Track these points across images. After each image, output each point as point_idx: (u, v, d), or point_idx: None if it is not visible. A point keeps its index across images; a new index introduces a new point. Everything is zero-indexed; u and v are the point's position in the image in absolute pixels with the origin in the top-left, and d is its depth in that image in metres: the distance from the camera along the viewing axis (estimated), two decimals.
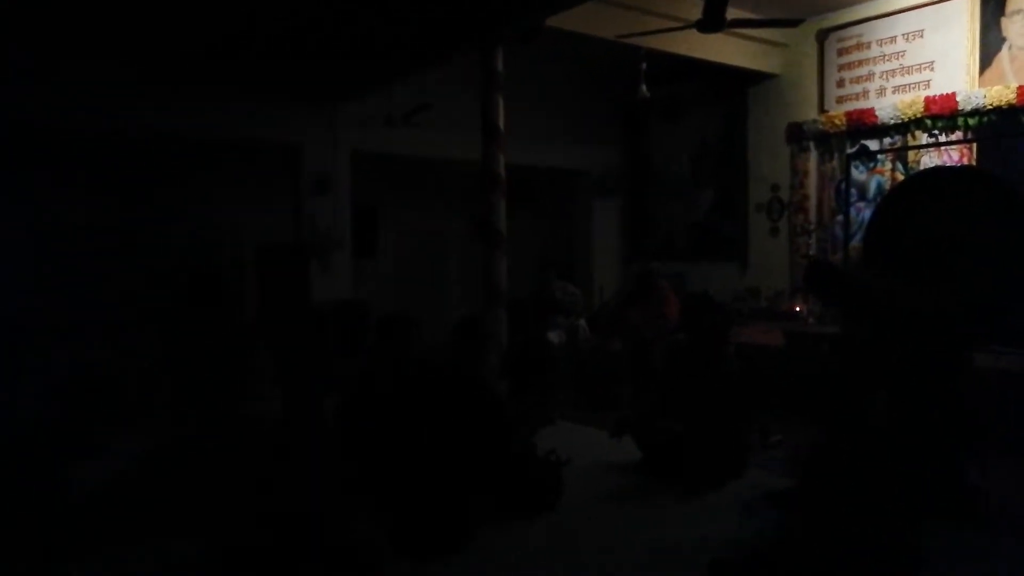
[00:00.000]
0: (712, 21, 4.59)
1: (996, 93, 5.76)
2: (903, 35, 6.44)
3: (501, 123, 5.49)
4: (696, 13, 5.03)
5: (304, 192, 7.21)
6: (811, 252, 6.99)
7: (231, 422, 4.64)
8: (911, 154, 6.31)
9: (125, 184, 6.85)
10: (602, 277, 8.90)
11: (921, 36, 6.34)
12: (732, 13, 4.85)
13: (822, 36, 6.96)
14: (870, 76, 6.67)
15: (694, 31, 5.19)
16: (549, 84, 8.21)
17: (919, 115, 6.19)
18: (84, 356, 5.65)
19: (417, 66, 6.10)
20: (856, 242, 6.00)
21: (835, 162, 6.92)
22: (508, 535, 3.19)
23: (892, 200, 3.87)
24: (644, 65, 6.64)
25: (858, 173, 6.70)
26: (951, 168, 5.52)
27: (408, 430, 3.14)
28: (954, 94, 5.99)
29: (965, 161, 6.02)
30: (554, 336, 5.99)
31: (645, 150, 8.86)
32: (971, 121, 5.96)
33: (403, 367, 3.65)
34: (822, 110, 7.00)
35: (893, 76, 6.51)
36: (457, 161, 7.40)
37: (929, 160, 6.21)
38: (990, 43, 5.91)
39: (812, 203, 7.11)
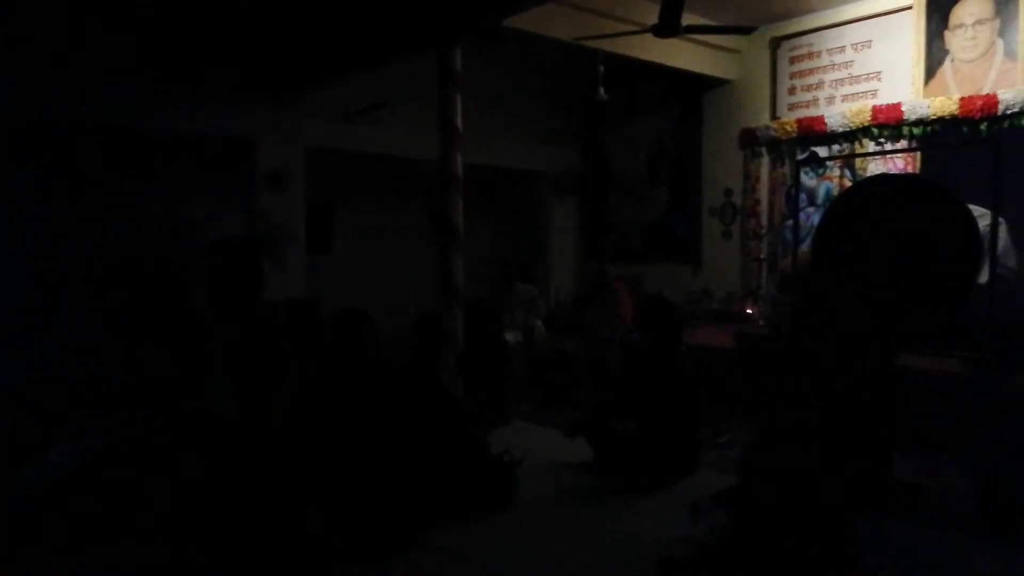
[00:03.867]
0: (667, 26, 4.66)
1: (939, 104, 5.97)
2: (852, 45, 6.62)
3: (459, 122, 5.48)
4: (652, 18, 5.10)
5: (258, 187, 7.09)
6: (762, 256, 7.14)
7: (182, 420, 4.53)
8: (858, 161, 6.50)
9: (73, 178, 6.64)
10: (559, 277, 8.96)
11: (869, 47, 6.53)
12: (687, 19, 4.93)
13: (775, 44, 7.11)
14: (820, 84, 6.85)
15: (650, 35, 5.26)
16: (508, 84, 8.22)
17: (866, 123, 6.37)
18: (34, 355, 5.46)
19: (374, 63, 6.05)
20: (805, 247, 6.15)
21: (786, 168, 7.08)
22: (462, 534, 3.19)
23: (838, 206, 3.97)
24: (602, 67, 6.71)
25: (808, 179, 6.88)
26: (895, 175, 5.70)
27: (363, 427, 3.11)
28: (900, 104, 6.18)
29: (909, 169, 6.22)
30: (511, 336, 6.00)
31: (602, 151, 8.95)
32: (915, 130, 6.15)
33: (358, 364, 3.62)
34: (774, 116, 7.16)
35: (842, 85, 6.70)
36: (416, 158, 7.36)
37: (875, 168, 6.40)
38: (934, 55, 6.11)
39: (764, 207, 7.26)
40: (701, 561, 2.72)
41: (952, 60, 6.02)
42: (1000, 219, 5.56)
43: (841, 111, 6.57)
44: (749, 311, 6.81)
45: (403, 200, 8.62)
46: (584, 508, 3.60)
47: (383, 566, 2.90)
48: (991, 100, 5.70)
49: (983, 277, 5.19)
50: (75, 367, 5.41)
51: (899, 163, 6.25)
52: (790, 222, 6.84)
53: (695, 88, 7.68)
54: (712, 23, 5.62)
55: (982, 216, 4.44)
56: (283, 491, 3.00)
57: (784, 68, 7.11)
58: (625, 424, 4.13)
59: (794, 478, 2.74)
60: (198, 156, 7.12)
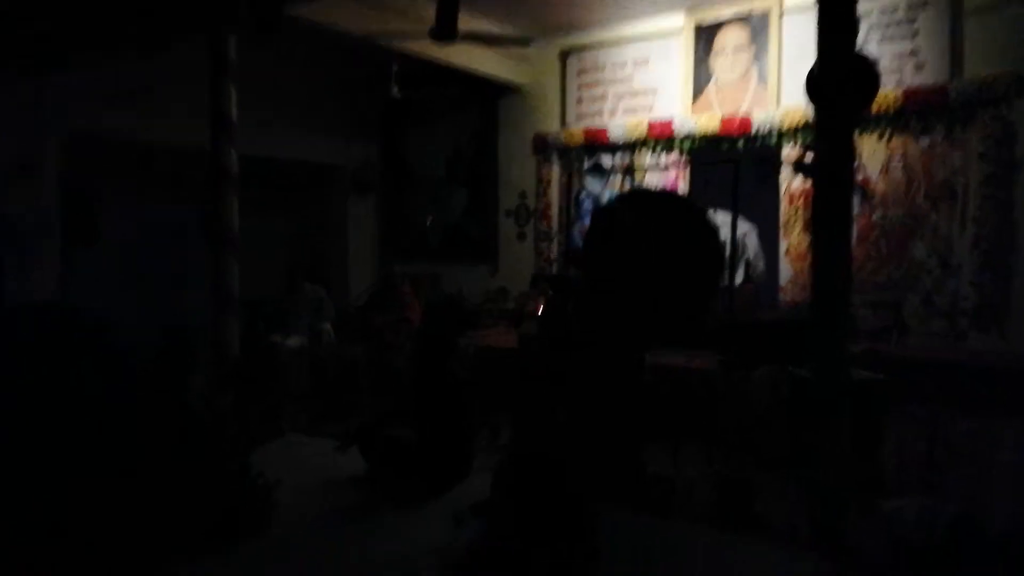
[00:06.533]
0: (443, 31, 4.64)
1: (704, 121, 6.50)
2: (632, 62, 7.03)
3: (233, 114, 5.13)
4: None
5: None
6: (553, 258, 7.41)
7: None
8: (637, 171, 6.93)
9: None
10: (358, 277, 8.72)
11: (647, 64, 6.97)
12: (473, 24, 4.94)
13: (565, 55, 7.38)
14: (604, 96, 7.21)
15: None
16: (305, 74, 7.86)
17: (643, 136, 6.80)
18: None
19: (137, 44, 5.50)
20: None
21: (575, 174, 7.40)
22: (202, 568, 2.93)
23: (598, 216, 4.18)
24: (396, 66, 6.60)
25: (594, 185, 7.23)
26: (648, 190, 6.17)
27: (80, 450, 2.78)
28: (671, 120, 6.66)
29: (680, 181, 6.73)
30: (294, 341, 5.72)
31: (402, 149, 8.84)
32: (685, 144, 6.66)
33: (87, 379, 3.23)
34: (564, 124, 7.44)
35: (623, 99, 7.09)
36: (195, 148, 6.79)
37: (652, 177, 6.86)
38: (701, 76, 6.64)
39: (555, 211, 7.52)
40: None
41: (715, 82, 6.58)
42: (752, 226, 6.19)
43: (622, 123, 6.96)
44: (541, 311, 7.01)
45: (181, 192, 7.94)
46: (348, 526, 3.47)
47: None
48: (746, 121, 6.29)
49: (737, 280, 5.73)
50: None
51: (671, 175, 6.74)
52: (578, 225, 7.18)
53: (491, 92, 7.79)
54: (496, 30, 5.68)
55: (722, 224, 4.88)
56: None
57: (573, 79, 7.40)
58: (401, 431, 4.05)
59: (541, 483, 2.82)
60: None
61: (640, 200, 4.05)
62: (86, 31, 5.41)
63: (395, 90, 6.57)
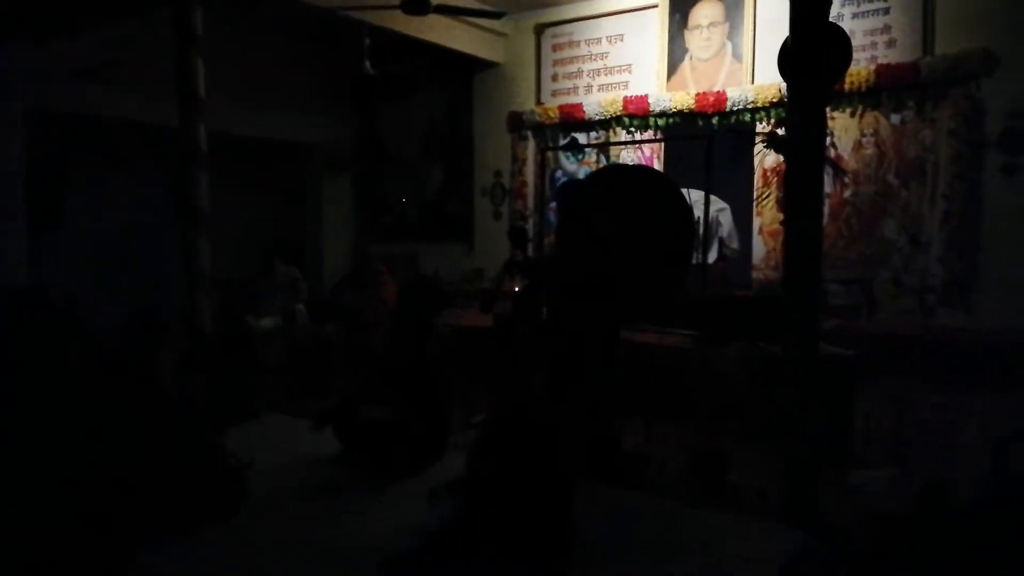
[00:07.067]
0: (416, 4, 4.56)
1: (679, 98, 6.48)
2: (607, 37, 6.98)
3: (201, 90, 5.01)
4: None
5: None
6: (529, 237, 7.37)
7: None
8: (612, 148, 6.90)
9: None
10: (333, 256, 8.64)
11: (622, 40, 6.93)
12: None
13: (539, 31, 7.31)
14: (579, 73, 7.16)
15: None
16: (278, 53, 7.72)
17: (619, 113, 6.77)
18: None
19: (101, 16, 5.34)
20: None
21: (550, 151, 7.35)
22: (169, 552, 2.89)
23: (568, 194, 4.14)
24: (368, 40, 6.49)
25: (569, 163, 7.20)
26: (623, 167, 6.15)
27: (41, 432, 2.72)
28: (647, 96, 6.63)
29: (655, 157, 6.72)
30: (268, 321, 5.66)
31: (376, 127, 8.73)
32: (660, 121, 6.64)
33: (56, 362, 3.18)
34: (539, 102, 7.38)
35: (598, 75, 7.05)
36: (167, 126, 6.64)
37: (627, 156, 6.84)
38: (676, 52, 6.62)
39: (530, 189, 7.49)
40: (422, 555, 2.70)
41: (690, 58, 6.56)
42: (725, 205, 6.20)
43: (598, 100, 6.91)
44: (516, 290, 6.99)
45: (154, 171, 7.79)
46: (323, 506, 3.44)
47: None
48: (721, 97, 6.29)
49: (711, 257, 5.75)
50: None
51: (646, 151, 6.72)
52: (553, 204, 7.14)
53: (466, 68, 7.70)
54: (463, 5, 5.59)
55: (697, 202, 4.89)
56: None
57: (548, 55, 7.34)
58: (376, 410, 4.03)
59: (518, 459, 2.81)
60: None
61: (611, 177, 4.04)
62: (42, 6, 5.25)
63: (367, 65, 6.46)
